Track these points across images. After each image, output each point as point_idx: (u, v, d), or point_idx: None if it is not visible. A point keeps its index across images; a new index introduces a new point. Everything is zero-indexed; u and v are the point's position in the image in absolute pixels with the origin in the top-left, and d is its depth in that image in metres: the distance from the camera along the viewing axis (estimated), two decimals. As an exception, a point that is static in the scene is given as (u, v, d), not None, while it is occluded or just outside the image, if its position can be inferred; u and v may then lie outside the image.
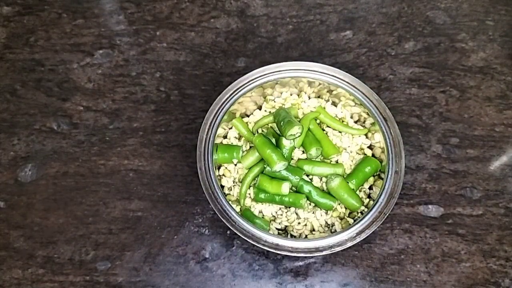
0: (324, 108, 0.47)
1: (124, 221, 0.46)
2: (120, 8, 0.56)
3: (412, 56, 0.53)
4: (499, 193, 0.48)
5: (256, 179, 0.44)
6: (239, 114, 0.47)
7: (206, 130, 0.43)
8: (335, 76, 0.45)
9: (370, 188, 0.46)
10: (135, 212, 0.47)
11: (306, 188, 0.44)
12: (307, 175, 0.45)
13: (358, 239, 0.40)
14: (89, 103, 0.51)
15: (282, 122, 0.44)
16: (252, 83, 0.45)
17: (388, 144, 0.43)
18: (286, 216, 0.44)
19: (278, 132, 0.46)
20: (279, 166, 0.43)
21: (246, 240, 0.40)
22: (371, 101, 0.45)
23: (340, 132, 0.47)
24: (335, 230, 0.44)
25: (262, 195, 0.44)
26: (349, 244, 0.40)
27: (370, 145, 0.47)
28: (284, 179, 0.44)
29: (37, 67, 0.53)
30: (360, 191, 0.45)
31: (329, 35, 0.55)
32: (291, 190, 0.44)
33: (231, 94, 0.44)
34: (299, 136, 0.44)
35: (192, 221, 0.46)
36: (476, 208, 0.47)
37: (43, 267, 0.45)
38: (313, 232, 0.44)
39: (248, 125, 0.48)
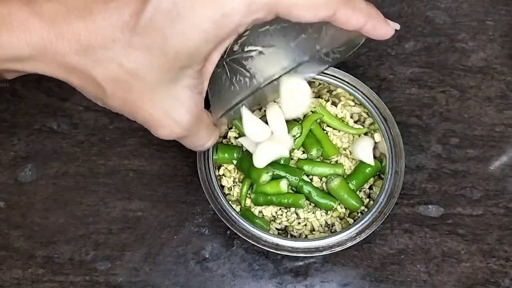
0: (324, 106, 0.47)
1: (124, 221, 0.46)
2: (120, 8, 0.56)
3: (412, 56, 0.53)
4: (499, 193, 0.48)
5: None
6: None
7: (206, 130, 0.43)
8: (335, 76, 0.45)
9: (370, 188, 0.46)
10: (135, 212, 0.47)
11: (306, 188, 0.44)
12: (307, 175, 0.45)
13: (358, 239, 0.40)
14: (89, 103, 0.51)
15: None
16: (252, 83, 0.45)
17: (388, 144, 0.43)
18: (286, 216, 0.44)
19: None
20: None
21: (246, 240, 0.40)
22: (371, 101, 0.45)
23: (339, 131, 0.47)
24: (335, 230, 0.44)
25: (261, 199, 0.43)
26: (349, 244, 0.40)
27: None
28: (281, 177, 0.44)
29: (37, 67, 0.52)
30: (360, 191, 0.45)
31: (329, 35, 0.55)
32: (291, 191, 0.44)
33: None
34: (299, 136, 0.44)
35: (192, 221, 0.46)
36: (476, 208, 0.47)
37: (43, 267, 0.45)
38: (313, 232, 0.44)
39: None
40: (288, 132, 0.43)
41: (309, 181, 0.45)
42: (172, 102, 0.27)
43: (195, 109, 0.28)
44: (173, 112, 0.27)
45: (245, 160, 0.43)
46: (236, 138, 0.47)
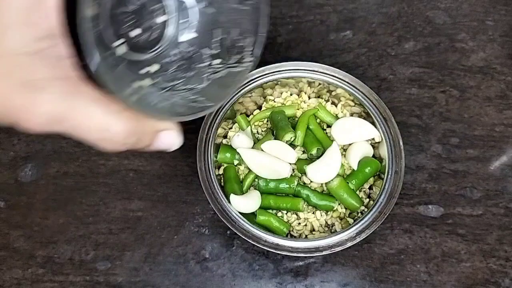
0: (324, 106, 0.47)
1: (124, 221, 0.46)
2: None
3: (412, 56, 0.53)
4: (499, 193, 0.48)
5: (256, 180, 0.44)
6: (239, 114, 0.47)
7: (206, 130, 0.43)
8: (335, 76, 0.45)
9: (370, 188, 0.46)
10: (135, 212, 0.47)
11: (304, 193, 0.44)
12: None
13: (358, 239, 0.40)
14: (89, 103, 0.51)
15: (276, 127, 0.44)
16: (252, 83, 0.45)
17: (388, 144, 0.43)
18: (286, 217, 0.44)
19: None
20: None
21: (246, 240, 0.40)
22: (371, 101, 0.45)
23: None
24: (335, 230, 0.44)
25: (262, 217, 0.43)
26: (349, 244, 0.40)
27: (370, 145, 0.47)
28: (281, 192, 0.44)
29: (37, 67, 0.52)
30: (360, 191, 0.45)
31: (329, 35, 0.55)
32: (290, 195, 0.44)
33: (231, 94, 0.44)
34: (293, 140, 0.44)
35: (192, 221, 0.46)
36: (476, 208, 0.47)
37: (43, 267, 0.45)
38: (313, 232, 0.44)
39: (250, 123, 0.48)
40: (281, 139, 0.44)
41: (309, 181, 0.45)
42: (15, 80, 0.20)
43: (60, 72, 0.21)
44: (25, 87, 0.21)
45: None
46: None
